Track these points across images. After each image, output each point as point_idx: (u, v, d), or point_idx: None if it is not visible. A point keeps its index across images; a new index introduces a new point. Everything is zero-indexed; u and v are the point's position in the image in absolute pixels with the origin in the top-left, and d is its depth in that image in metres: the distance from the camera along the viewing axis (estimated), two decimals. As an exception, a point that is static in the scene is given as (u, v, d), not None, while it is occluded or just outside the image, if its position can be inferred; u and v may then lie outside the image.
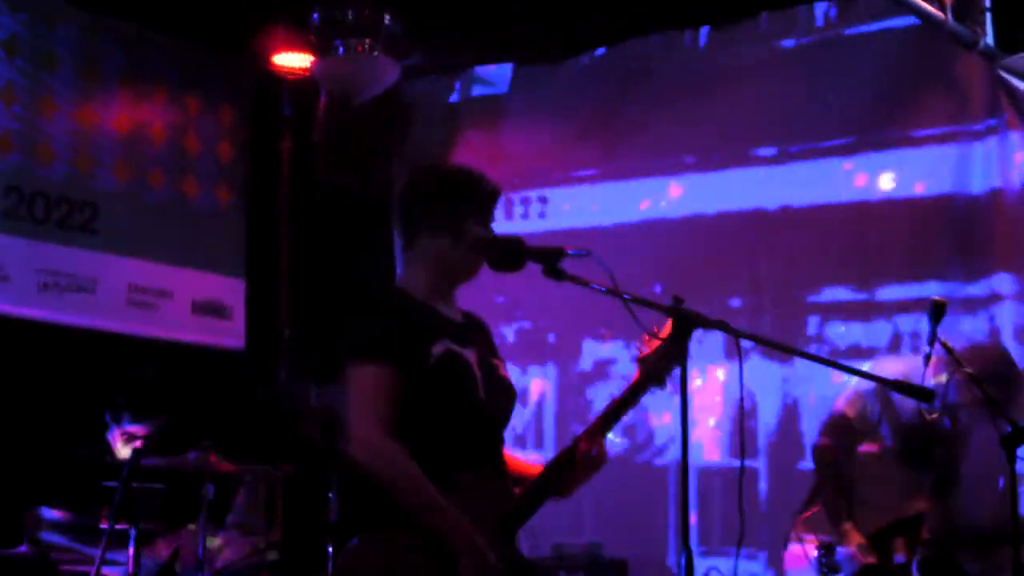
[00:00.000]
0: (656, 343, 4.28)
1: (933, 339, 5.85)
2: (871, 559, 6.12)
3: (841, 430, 6.36)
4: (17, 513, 6.80)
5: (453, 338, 4.23)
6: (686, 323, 4.00)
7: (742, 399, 4.05)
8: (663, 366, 4.28)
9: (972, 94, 7.92)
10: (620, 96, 9.10)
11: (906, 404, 6.23)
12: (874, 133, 8.21)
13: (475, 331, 4.42)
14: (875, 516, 6.24)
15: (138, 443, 6.88)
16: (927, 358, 5.84)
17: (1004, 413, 5.52)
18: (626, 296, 4.09)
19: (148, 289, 8.58)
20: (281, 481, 7.89)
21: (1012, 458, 5.36)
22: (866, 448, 6.39)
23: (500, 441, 4.33)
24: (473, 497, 4.11)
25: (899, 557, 6.17)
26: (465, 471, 4.15)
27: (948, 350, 5.83)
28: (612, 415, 4.31)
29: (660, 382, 4.31)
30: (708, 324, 4.01)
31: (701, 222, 8.66)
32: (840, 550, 6.17)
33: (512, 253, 4.21)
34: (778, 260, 8.42)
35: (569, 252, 4.12)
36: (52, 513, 6.71)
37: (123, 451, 6.97)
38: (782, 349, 4.53)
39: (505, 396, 4.36)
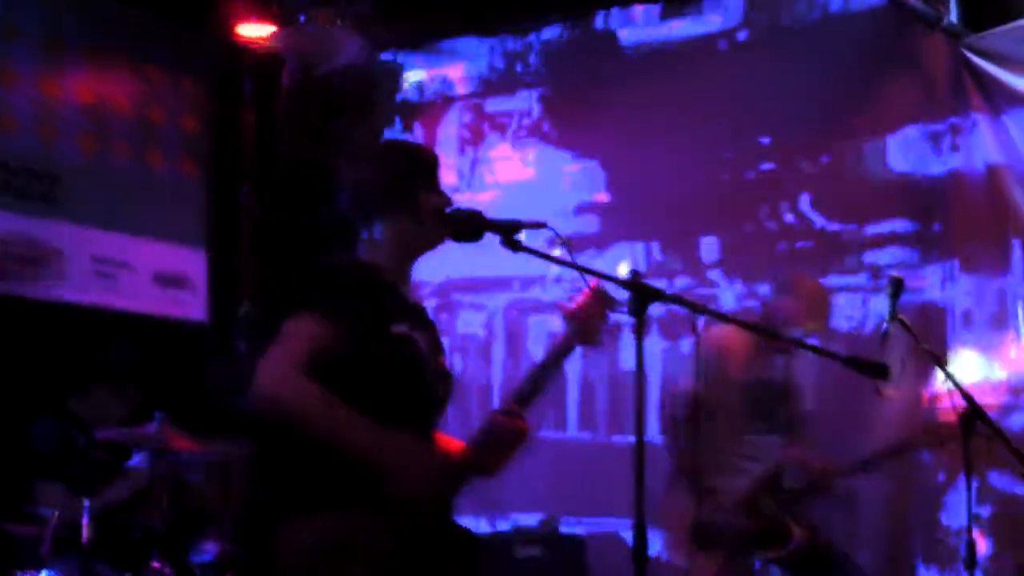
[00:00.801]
0: (585, 299, 4.31)
1: (892, 315, 5.87)
2: (745, 523, 6.21)
3: (689, 403, 6.42)
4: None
5: (411, 322, 4.22)
6: (643, 297, 4.01)
7: (698, 373, 4.03)
8: (594, 323, 4.31)
9: (937, 75, 7.94)
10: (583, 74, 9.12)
11: (755, 367, 6.38)
12: (837, 117, 8.24)
13: (425, 317, 4.41)
14: (734, 480, 6.33)
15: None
16: (884, 334, 5.86)
17: (961, 388, 5.54)
18: (582, 268, 4.12)
19: (110, 260, 8.54)
20: (240, 458, 7.87)
21: (969, 433, 5.38)
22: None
23: (435, 426, 4.31)
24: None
25: (770, 511, 6.25)
26: None
27: (906, 327, 5.84)
28: (533, 384, 4.30)
29: (592, 340, 4.34)
30: (666, 298, 4.02)
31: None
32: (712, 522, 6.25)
33: (472, 225, 4.22)
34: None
35: (526, 223, 4.14)
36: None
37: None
38: (736, 323, 4.53)
39: (444, 384, 4.35)
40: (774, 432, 6.49)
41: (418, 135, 9.59)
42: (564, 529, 8.04)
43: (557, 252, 4.15)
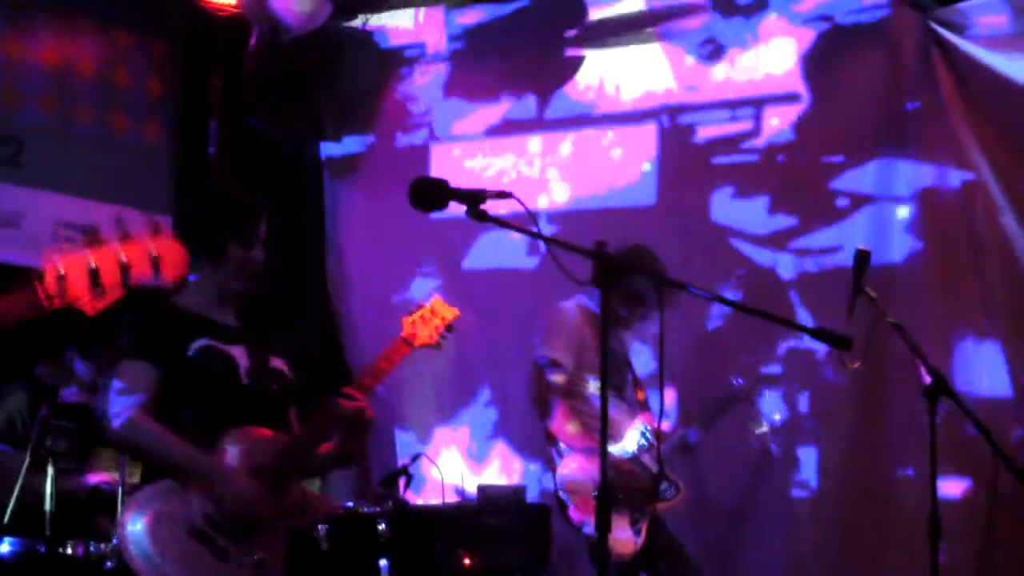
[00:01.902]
0: (420, 310, 5.20)
1: (857, 289, 5.86)
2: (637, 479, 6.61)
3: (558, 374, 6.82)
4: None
5: (217, 337, 4.98)
6: (608, 268, 4.00)
7: (661, 344, 4.07)
8: (437, 335, 5.18)
9: (903, 48, 7.93)
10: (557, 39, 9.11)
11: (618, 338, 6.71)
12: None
13: (251, 334, 5.12)
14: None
15: None
16: (851, 308, 5.84)
17: (926, 361, 5.53)
18: (549, 238, 4.12)
19: (75, 224, 8.47)
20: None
21: (933, 410, 5.38)
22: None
23: (270, 416, 5.03)
24: (241, 450, 4.86)
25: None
26: (229, 435, 4.88)
27: (871, 300, 5.83)
28: (373, 374, 5.08)
29: (436, 347, 5.20)
30: (631, 270, 4.01)
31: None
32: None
33: (436, 193, 4.22)
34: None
35: (491, 193, 4.14)
36: None
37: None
38: (707, 296, 4.53)
39: (276, 380, 5.11)
40: (618, 397, 6.86)
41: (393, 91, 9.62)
42: (529, 498, 8.04)
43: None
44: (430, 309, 5.24)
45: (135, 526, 4.67)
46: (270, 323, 5.28)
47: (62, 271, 3.39)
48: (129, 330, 4.95)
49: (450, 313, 5.26)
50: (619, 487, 6.61)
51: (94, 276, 3.43)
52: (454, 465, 8.87)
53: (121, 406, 4.79)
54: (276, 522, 4.87)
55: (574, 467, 6.78)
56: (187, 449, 4.81)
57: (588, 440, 6.73)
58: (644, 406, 7.15)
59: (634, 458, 6.86)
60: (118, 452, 6.48)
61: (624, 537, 6.67)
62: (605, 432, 3.96)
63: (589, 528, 6.61)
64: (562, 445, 6.87)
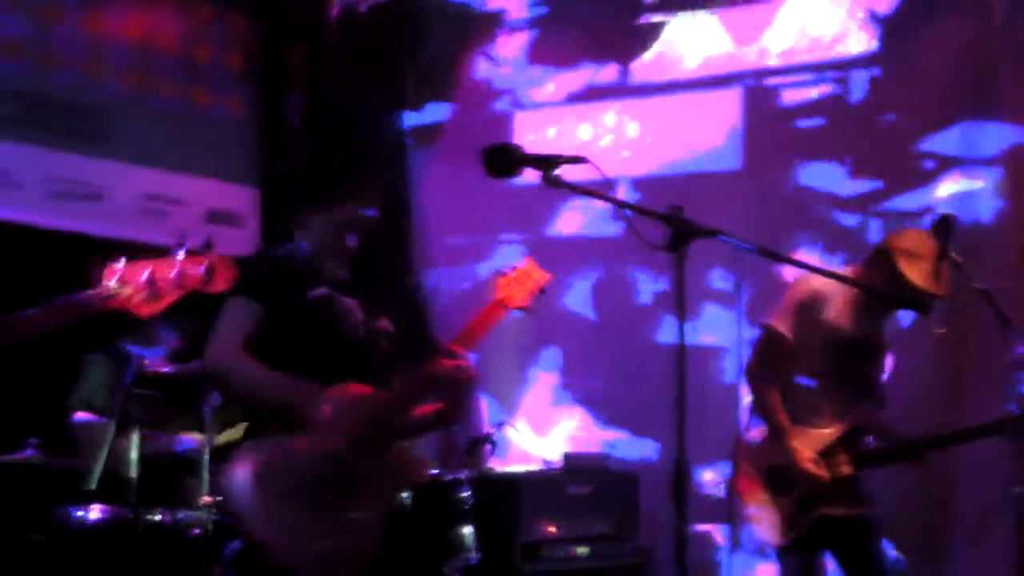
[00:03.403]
0: (512, 272, 5.01)
1: (942, 253, 5.78)
2: (824, 475, 6.09)
3: (773, 347, 6.32)
4: (24, 417, 6.87)
5: (336, 287, 4.86)
6: (683, 232, 3.96)
7: (739, 313, 4.04)
8: (529, 298, 5.00)
9: (991, 6, 7.83)
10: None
11: (848, 320, 6.22)
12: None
13: (355, 286, 4.97)
14: (812, 430, 6.22)
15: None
16: (937, 273, 5.77)
17: (1011, 325, 5.47)
18: (622, 203, 4.09)
19: (161, 197, 8.54)
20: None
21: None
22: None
23: (376, 374, 4.86)
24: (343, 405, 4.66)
25: (846, 470, 6.14)
26: (332, 388, 4.67)
27: (956, 266, 5.77)
28: (469, 336, 4.88)
29: (529, 312, 5.03)
30: (705, 233, 3.97)
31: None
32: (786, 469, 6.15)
33: (509, 159, 4.20)
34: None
35: (565, 158, 4.11)
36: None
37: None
38: (778, 258, 4.49)
39: (385, 338, 4.95)
40: (851, 389, 6.33)
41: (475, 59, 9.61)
42: (616, 466, 8.03)
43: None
44: (524, 271, 5.08)
45: (239, 478, 4.58)
46: (375, 283, 5.15)
47: (123, 276, 3.74)
48: (239, 269, 4.83)
49: (543, 276, 5.09)
50: (795, 475, 6.16)
51: (150, 283, 3.87)
52: (537, 433, 8.88)
53: (215, 340, 4.71)
54: (377, 482, 4.72)
55: (754, 436, 6.45)
56: (285, 379, 4.67)
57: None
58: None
59: (829, 452, 6.23)
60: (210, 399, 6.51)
61: (767, 526, 6.27)
62: (683, 401, 3.91)
63: (746, 507, 6.36)
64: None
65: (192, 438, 6.98)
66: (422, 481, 5.01)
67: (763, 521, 6.23)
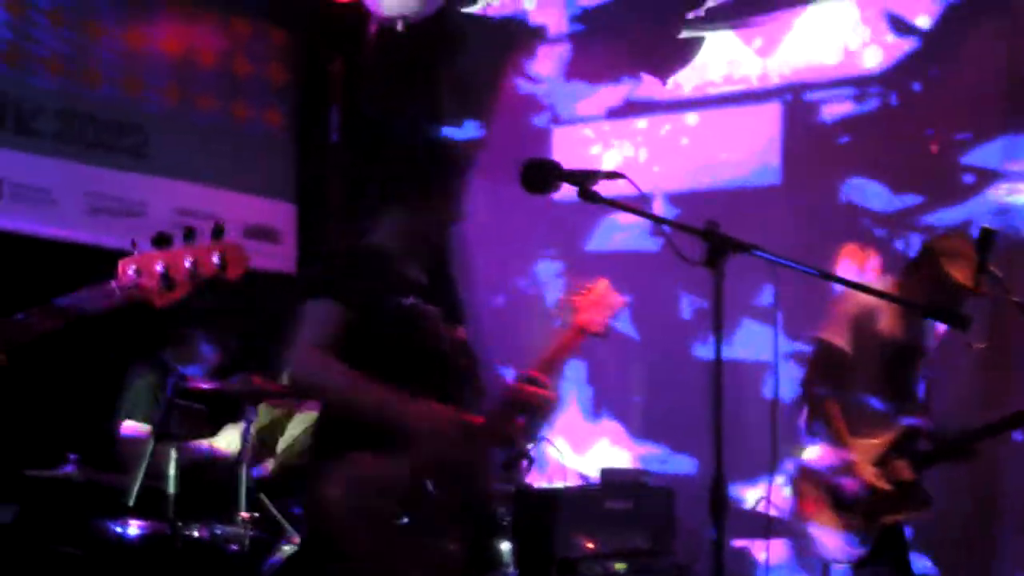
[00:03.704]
0: (588, 294, 4.82)
1: (982, 267, 5.76)
2: (885, 486, 6.07)
3: (831, 360, 6.28)
4: (64, 432, 6.89)
5: (420, 296, 4.59)
6: (720, 247, 3.95)
7: (777, 328, 4.03)
8: (603, 321, 4.84)
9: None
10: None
11: (897, 328, 6.19)
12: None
13: (433, 292, 4.70)
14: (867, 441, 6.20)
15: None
16: (976, 286, 5.75)
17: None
18: (659, 219, 4.08)
19: (198, 212, 8.55)
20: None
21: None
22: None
23: (453, 392, 4.60)
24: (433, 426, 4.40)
25: (906, 475, 6.11)
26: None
27: (996, 280, 5.74)
28: (551, 363, 4.73)
29: (602, 336, 4.87)
30: (742, 248, 3.95)
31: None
32: (850, 484, 6.12)
33: (546, 175, 4.20)
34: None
35: (602, 173, 4.11)
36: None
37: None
38: (817, 274, 4.45)
39: (460, 354, 4.70)
40: (900, 395, 6.35)
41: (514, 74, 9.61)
42: (654, 481, 8.01)
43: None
44: (600, 294, 4.90)
45: (332, 497, 4.31)
46: (448, 292, 4.93)
47: (136, 269, 3.71)
48: (319, 267, 4.73)
49: (617, 299, 4.96)
50: (857, 490, 6.21)
51: (164, 274, 3.75)
52: (574, 448, 8.86)
53: (301, 345, 4.40)
54: (460, 508, 4.47)
55: (812, 458, 6.40)
56: (382, 392, 4.37)
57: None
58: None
59: (885, 460, 6.26)
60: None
61: (837, 543, 6.25)
62: (720, 416, 3.89)
63: (811, 527, 6.29)
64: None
65: (224, 450, 6.99)
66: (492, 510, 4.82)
67: (833, 539, 6.21)
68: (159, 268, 3.75)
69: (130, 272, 3.77)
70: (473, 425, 4.51)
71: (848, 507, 6.17)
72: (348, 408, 4.44)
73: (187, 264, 3.77)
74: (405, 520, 4.31)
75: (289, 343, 4.44)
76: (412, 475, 4.34)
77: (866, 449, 6.17)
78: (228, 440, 6.96)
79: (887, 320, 6.21)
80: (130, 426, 6.99)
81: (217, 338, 7.35)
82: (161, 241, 3.77)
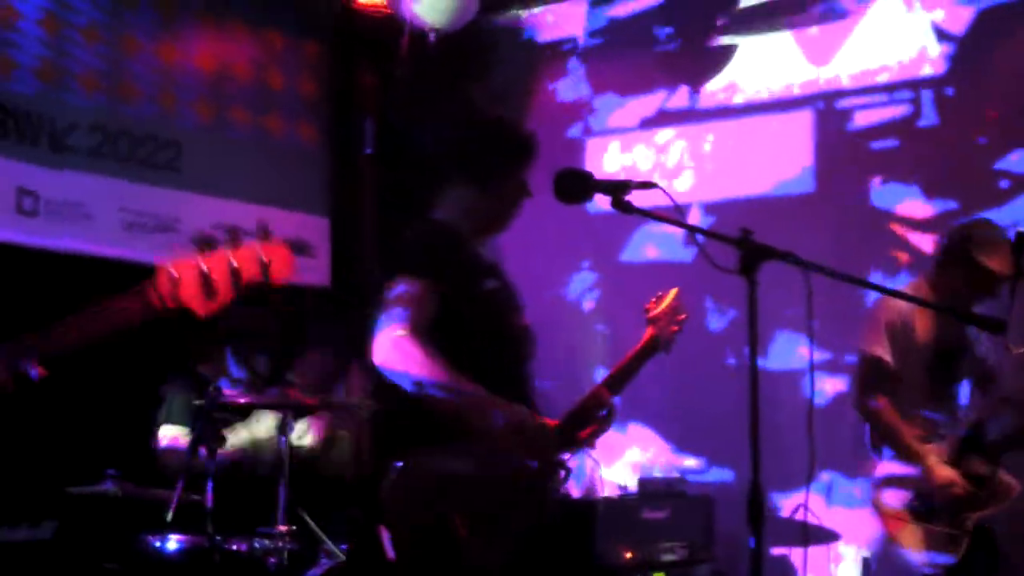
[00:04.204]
0: (663, 303, 4.80)
1: (1019, 271, 5.73)
2: (962, 490, 6.03)
3: (879, 374, 6.26)
4: (103, 448, 6.91)
5: (498, 279, 4.48)
6: (754, 255, 3.94)
7: (812, 335, 3.99)
8: (671, 331, 4.82)
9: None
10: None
11: (934, 331, 6.18)
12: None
13: (505, 275, 4.57)
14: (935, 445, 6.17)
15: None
16: (1012, 290, 5.73)
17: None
18: (693, 228, 4.09)
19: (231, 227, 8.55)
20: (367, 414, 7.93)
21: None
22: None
23: (529, 381, 4.48)
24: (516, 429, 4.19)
25: (980, 469, 6.07)
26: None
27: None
28: (624, 374, 4.75)
29: (667, 349, 4.86)
30: (776, 256, 3.95)
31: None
32: (927, 493, 6.09)
33: (579, 185, 4.21)
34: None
35: (635, 183, 4.12)
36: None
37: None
38: (853, 281, 4.45)
39: (529, 339, 4.55)
40: (946, 398, 6.34)
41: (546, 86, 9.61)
42: (691, 490, 7.99)
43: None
44: (671, 305, 4.87)
45: (409, 495, 4.06)
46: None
47: (175, 275, 3.45)
48: (407, 246, 4.37)
49: (683, 311, 4.91)
50: (937, 495, 6.13)
51: (205, 280, 3.47)
52: (609, 459, 8.85)
53: (392, 329, 4.10)
54: (523, 511, 4.23)
55: (883, 480, 6.38)
56: (473, 389, 4.13)
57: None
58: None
59: (957, 460, 6.18)
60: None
61: (938, 551, 6.14)
62: (756, 425, 3.88)
63: (906, 546, 6.22)
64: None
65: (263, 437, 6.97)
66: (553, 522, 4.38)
67: (926, 552, 6.15)
68: (200, 272, 3.49)
69: (169, 276, 3.49)
70: (551, 428, 4.34)
71: (931, 516, 6.12)
72: (434, 403, 4.11)
73: (231, 267, 3.51)
74: (468, 525, 4.07)
75: (377, 325, 4.13)
76: (486, 478, 4.17)
77: (936, 453, 6.14)
78: (266, 427, 6.96)
79: (923, 325, 6.19)
80: (168, 438, 7.01)
81: (253, 351, 7.36)
82: (203, 244, 3.51)
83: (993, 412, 6.23)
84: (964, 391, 6.35)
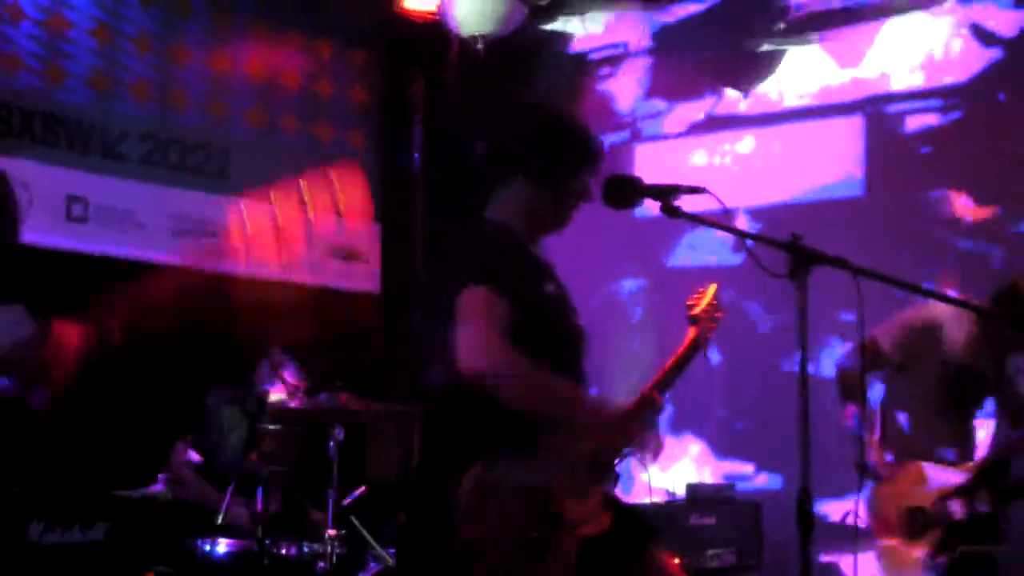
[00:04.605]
0: (703, 300, 4.63)
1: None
2: (960, 513, 6.00)
3: (873, 361, 6.25)
4: (153, 452, 6.95)
5: (555, 282, 4.32)
6: (804, 260, 3.94)
7: (862, 341, 3.99)
8: (711, 329, 4.65)
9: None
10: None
11: (965, 350, 6.10)
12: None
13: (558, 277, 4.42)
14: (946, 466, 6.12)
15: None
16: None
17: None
18: (741, 233, 4.09)
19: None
20: (417, 421, 7.93)
21: None
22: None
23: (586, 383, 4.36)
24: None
25: (983, 508, 6.02)
26: None
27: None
28: (673, 373, 4.63)
29: (706, 347, 4.67)
30: (826, 260, 3.94)
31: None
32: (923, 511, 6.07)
33: (627, 190, 4.20)
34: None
35: (684, 188, 4.11)
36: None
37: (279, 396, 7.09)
38: (901, 286, 4.44)
39: (584, 341, 4.38)
40: (968, 418, 6.30)
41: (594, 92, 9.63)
42: (739, 496, 7.98)
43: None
44: (712, 303, 4.71)
45: (465, 503, 3.94)
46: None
47: (248, 226, 3.43)
48: (465, 251, 4.24)
49: (721, 308, 4.76)
50: (929, 516, 6.11)
51: (278, 230, 3.40)
52: (659, 464, 8.84)
53: (476, 339, 3.96)
54: (578, 521, 4.10)
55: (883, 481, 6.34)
56: (573, 388, 4.14)
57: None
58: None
59: (969, 489, 6.08)
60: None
61: (916, 567, 6.13)
62: (806, 431, 3.88)
63: (887, 552, 6.22)
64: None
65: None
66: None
67: (904, 564, 6.13)
68: (273, 220, 3.37)
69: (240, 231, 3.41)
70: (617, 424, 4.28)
71: (920, 534, 6.10)
72: (528, 407, 4.00)
73: (302, 210, 3.30)
74: (534, 535, 3.96)
75: (459, 334, 3.98)
76: (559, 487, 4.04)
77: (947, 474, 6.11)
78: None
79: (955, 338, 6.13)
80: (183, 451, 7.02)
81: (303, 358, 7.38)
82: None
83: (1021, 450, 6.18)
84: (983, 426, 6.29)
